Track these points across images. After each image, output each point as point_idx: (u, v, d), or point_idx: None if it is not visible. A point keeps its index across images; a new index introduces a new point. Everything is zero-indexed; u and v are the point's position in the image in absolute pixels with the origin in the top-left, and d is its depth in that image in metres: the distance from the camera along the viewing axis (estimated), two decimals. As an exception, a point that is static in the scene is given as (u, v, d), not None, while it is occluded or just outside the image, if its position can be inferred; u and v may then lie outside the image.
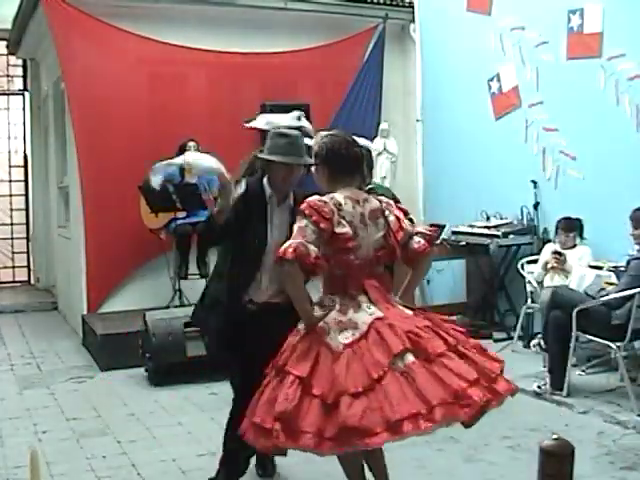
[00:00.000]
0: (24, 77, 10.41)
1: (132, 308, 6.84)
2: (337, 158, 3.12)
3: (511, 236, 6.72)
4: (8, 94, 10.49)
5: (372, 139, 7.82)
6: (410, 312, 3.16)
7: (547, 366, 5.28)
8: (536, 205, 6.70)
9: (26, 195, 10.54)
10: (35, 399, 5.39)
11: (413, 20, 8.28)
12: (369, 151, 4.66)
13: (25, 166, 10.51)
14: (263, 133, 7.24)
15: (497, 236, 6.67)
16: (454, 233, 7.16)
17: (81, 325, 7.18)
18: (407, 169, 8.36)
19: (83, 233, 7.20)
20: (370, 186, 4.36)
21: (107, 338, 6.30)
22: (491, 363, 3.12)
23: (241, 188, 3.50)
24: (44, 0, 6.96)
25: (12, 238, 10.51)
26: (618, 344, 4.85)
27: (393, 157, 7.78)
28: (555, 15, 6.45)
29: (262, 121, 6.27)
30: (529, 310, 6.19)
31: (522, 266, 6.32)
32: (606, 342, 4.91)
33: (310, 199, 3.02)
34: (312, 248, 2.90)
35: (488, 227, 6.83)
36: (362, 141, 4.29)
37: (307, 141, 3.64)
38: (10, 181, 10.50)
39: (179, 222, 6.88)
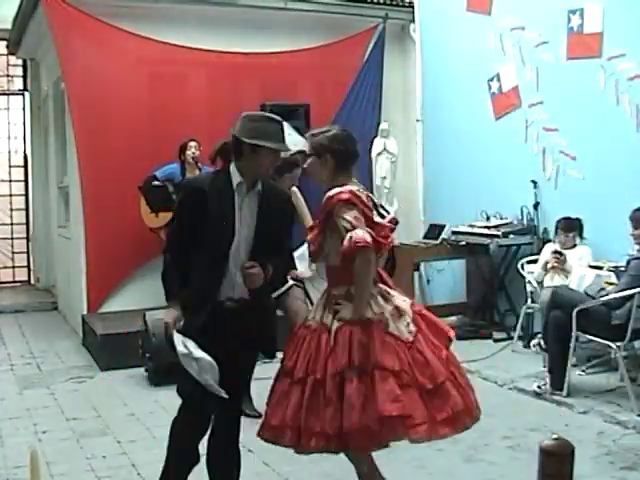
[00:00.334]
0: (24, 77, 10.41)
1: (132, 308, 6.84)
2: (345, 151, 3.16)
3: (511, 236, 6.72)
4: (8, 94, 10.50)
5: (372, 139, 7.84)
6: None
7: (547, 366, 5.28)
8: (536, 205, 6.70)
9: (26, 195, 10.54)
10: (35, 399, 5.39)
11: (413, 20, 8.28)
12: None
13: (25, 166, 10.51)
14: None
15: (497, 236, 6.67)
16: (454, 233, 7.17)
17: (81, 325, 7.18)
18: (407, 169, 8.36)
19: (83, 233, 7.20)
20: None
21: (107, 338, 6.30)
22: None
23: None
24: (44, 0, 6.96)
25: (12, 238, 10.52)
26: (618, 344, 4.85)
27: (393, 157, 7.77)
28: (555, 15, 6.45)
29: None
30: (529, 310, 6.19)
31: (522, 266, 6.32)
32: (606, 342, 4.91)
33: (344, 189, 3.02)
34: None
35: (488, 227, 6.83)
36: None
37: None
38: (10, 181, 10.51)
39: (179, 222, 6.86)
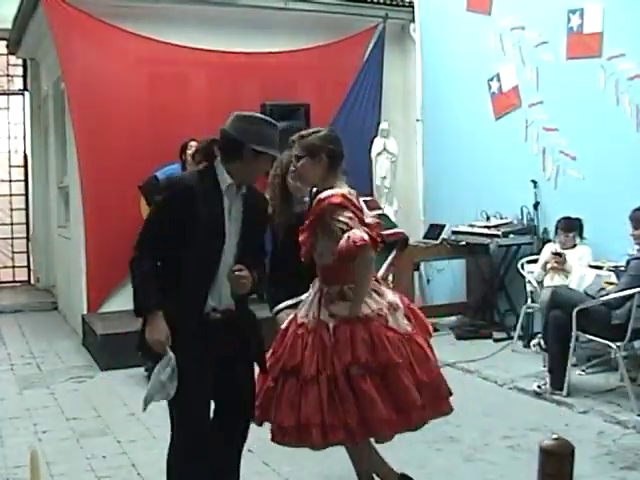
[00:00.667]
0: (24, 77, 10.41)
1: (132, 308, 6.83)
2: (337, 150, 3.20)
3: (511, 236, 6.72)
4: (8, 94, 10.50)
5: (372, 139, 7.85)
6: None
7: (547, 366, 5.28)
8: (536, 205, 6.70)
9: (26, 195, 10.54)
10: (35, 399, 5.39)
11: (413, 20, 8.28)
12: None
13: (25, 166, 10.51)
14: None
15: (497, 236, 6.67)
16: (454, 233, 7.17)
17: (81, 325, 7.18)
18: (407, 169, 8.36)
19: (83, 233, 7.20)
20: None
21: (107, 338, 6.30)
22: None
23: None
24: (44, 0, 6.96)
25: (12, 238, 10.52)
26: (618, 344, 4.85)
27: (393, 157, 7.78)
28: (555, 15, 6.45)
29: None
30: (529, 310, 6.19)
31: (522, 266, 6.32)
32: (606, 342, 4.91)
33: (335, 192, 3.08)
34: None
35: (488, 227, 6.83)
36: None
37: None
38: (10, 181, 10.51)
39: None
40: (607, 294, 5.01)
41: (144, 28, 7.19)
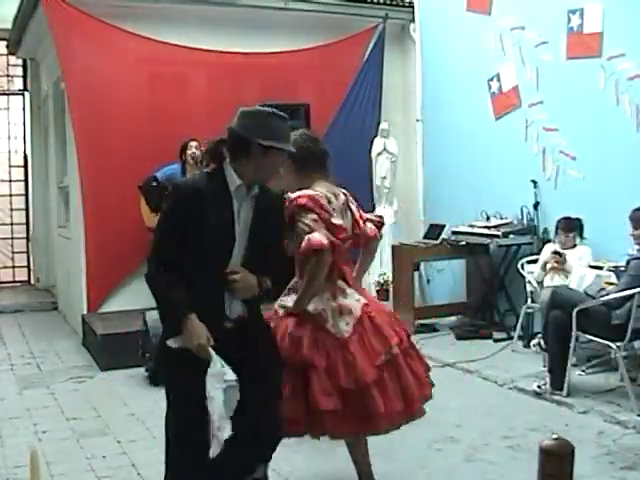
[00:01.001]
0: (24, 77, 10.41)
1: (132, 308, 6.84)
2: (306, 153, 3.24)
3: (511, 236, 6.71)
4: (8, 94, 10.49)
5: (372, 139, 7.85)
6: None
7: (547, 366, 5.28)
8: (536, 205, 6.70)
9: (26, 195, 10.54)
10: (35, 399, 5.39)
11: (413, 20, 8.28)
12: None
13: (25, 166, 10.51)
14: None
15: (497, 236, 6.67)
16: (454, 233, 7.17)
17: (81, 325, 7.18)
18: (407, 169, 8.37)
19: (83, 233, 7.20)
20: None
21: (107, 338, 6.30)
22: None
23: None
24: (44, 0, 6.96)
25: (12, 238, 10.52)
26: (618, 344, 4.85)
27: (393, 157, 7.78)
28: (555, 15, 6.45)
29: None
30: (529, 310, 6.19)
31: (522, 266, 6.32)
32: (606, 342, 4.91)
33: (302, 193, 3.15)
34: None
35: (488, 227, 6.83)
36: None
37: None
38: (10, 181, 10.50)
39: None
40: (607, 294, 5.00)
41: (144, 28, 7.19)
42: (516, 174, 6.85)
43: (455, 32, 7.64)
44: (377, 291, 7.49)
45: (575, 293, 5.20)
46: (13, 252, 10.54)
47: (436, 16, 7.94)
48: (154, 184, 6.81)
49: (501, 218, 6.95)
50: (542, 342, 5.36)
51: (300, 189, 3.20)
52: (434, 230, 7.38)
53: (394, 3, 8.44)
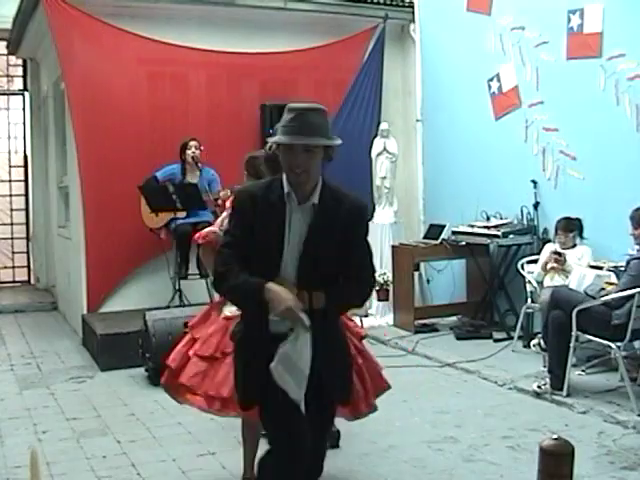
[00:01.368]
0: (24, 77, 10.40)
1: (132, 308, 6.84)
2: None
3: (511, 236, 6.72)
4: (8, 94, 10.49)
5: (372, 139, 7.84)
6: None
7: (547, 366, 5.28)
8: (536, 205, 6.70)
9: (26, 195, 10.54)
10: (35, 399, 5.38)
11: (413, 20, 8.28)
12: None
13: (25, 166, 10.50)
14: (263, 133, 7.27)
15: (497, 236, 6.67)
16: (454, 233, 7.17)
17: (81, 325, 7.18)
18: (407, 169, 8.37)
19: (83, 233, 7.19)
20: None
21: (107, 338, 6.30)
22: None
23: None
24: (44, 0, 6.95)
25: (12, 238, 10.51)
26: (618, 344, 4.85)
27: (393, 157, 7.78)
28: (555, 15, 6.45)
29: None
30: (529, 310, 6.18)
31: (522, 266, 6.32)
32: (606, 342, 4.91)
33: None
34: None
35: (488, 227, 6.83)
36: None
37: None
38: (10, 181, 10.49)
39: (179, 222, 6.88)
40: (607, 294, 5.01)
41: (144, 28, 7.18)
42: (516, 174, 6.85)
43: (455, 32, 7.64)
44: (377, 291, 7.48)
45: (575, 293, 5.19)
46: (13, 252, 10.53)
47: (436, 16, 7.94)
48: (155, 183, 6.84)
49: (501, 218, 6.95)
50: (542, 342, 5.37)
51: None
52: (434, 230, 7.39)
53: (394, 3, 8.43)
